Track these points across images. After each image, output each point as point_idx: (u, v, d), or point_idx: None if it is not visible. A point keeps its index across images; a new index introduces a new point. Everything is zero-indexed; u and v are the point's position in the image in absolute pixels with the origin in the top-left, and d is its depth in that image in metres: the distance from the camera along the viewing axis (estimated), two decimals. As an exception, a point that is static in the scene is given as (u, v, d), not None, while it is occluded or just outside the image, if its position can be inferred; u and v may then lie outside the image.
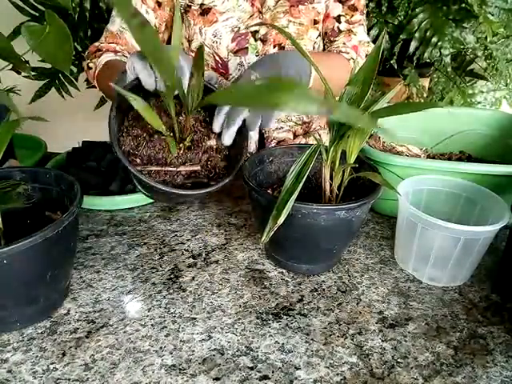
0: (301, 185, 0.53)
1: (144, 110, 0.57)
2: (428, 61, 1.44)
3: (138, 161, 0.63)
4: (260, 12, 0.88)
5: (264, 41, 0.89)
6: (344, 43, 0.90)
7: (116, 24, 0.87)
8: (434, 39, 1.40)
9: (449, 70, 1.48)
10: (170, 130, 0.62)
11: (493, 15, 1.37)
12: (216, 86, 0.65)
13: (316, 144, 0.57)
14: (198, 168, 0.64)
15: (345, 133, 0.53)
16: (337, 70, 0.83)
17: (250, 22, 0.88)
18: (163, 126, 0.58)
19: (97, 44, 0.87)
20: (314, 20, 0.90)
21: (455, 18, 1.40)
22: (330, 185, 0.59)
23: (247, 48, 0.89)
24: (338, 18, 0.91)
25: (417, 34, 1.42)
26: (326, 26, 0.93)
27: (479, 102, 1.61)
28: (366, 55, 0.92)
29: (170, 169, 0.62)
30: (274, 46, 0.90)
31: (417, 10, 1.41)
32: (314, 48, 0.93)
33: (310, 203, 0.54)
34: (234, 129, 0.61)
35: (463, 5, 1.37)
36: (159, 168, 0.62)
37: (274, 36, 0.89)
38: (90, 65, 0.84)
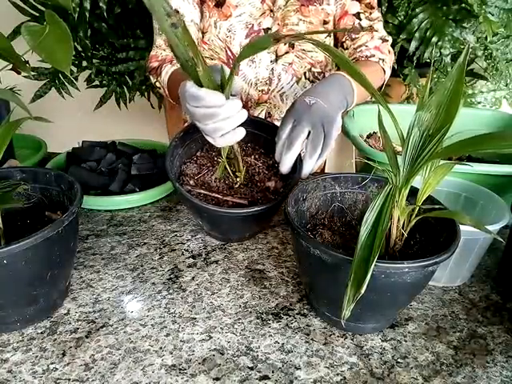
0: (382, 239, 0.42)
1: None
2: (428, 61, 1.44)
3: (192, 182, 0.68)
4: (271, 10, 0.88)
5: None
6: (366, 45, 0.89)
7: None
8: (434, 39, 1.40)
9: (449, 69, 1.48)
10: (236, 166, 0.67)
11: (493, 15, 1.36)
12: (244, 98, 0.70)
13: (389, 184, 0.48)
14: (244, 202, 0.66)
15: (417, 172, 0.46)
16: (373, 76, 0.85)
17: (261, 20, 0.88)
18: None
19: (153, 53, 0.89)
20: (324, 20, 0.91)
21: (455, 18, 1.40)
22: (397, 227, 0.51)
23: None
24: (357, 15, 0.91)
25: (417, 34, 1.42)
26: (345, 23, 0.92)
27: (479, 102, 1.61)
28: (389, 51, 0.92)
29: (218, 195, 0.65)
30: (286, 44, 0.91)
31: (417, 9, 1.41)
32: None
33: (398, 261, 0.44)
34: (292, 153, 0.63)
35: (463, 5, 1.37)
36: (207, 192, 0.65)
37: (286, 34, 0.89)
38: (157, 84, 0.87)
